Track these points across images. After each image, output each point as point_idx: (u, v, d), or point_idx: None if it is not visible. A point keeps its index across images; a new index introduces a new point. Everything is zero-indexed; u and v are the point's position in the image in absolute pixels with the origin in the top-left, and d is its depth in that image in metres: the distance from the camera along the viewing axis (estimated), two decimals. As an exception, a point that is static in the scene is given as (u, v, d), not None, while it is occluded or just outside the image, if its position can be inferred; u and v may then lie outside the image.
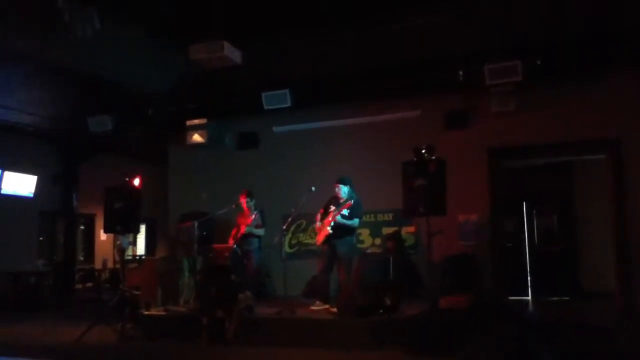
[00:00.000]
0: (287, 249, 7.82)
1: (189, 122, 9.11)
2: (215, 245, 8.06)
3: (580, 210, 10.05)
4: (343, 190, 7.35)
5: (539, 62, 7.14)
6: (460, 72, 7.40)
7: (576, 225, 10.07)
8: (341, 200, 7.31)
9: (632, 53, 7.26)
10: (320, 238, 7.33)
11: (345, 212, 7.13)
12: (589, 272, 9.64)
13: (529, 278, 10.23)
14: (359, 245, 8.81)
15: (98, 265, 13.22)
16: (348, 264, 7.34)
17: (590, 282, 9.53)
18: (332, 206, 7.35)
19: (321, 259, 7.38)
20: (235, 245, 7.96)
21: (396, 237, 8.27)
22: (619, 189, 7.78)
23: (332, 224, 7.14)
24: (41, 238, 12.05)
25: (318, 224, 7.39)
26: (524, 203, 10.59)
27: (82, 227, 13.36)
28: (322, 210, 7.46)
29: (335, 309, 6.59)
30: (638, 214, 7.57)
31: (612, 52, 7.34)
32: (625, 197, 7.70)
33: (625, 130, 7.66)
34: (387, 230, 8.61)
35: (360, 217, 7.39)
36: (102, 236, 13.51)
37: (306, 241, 9.10)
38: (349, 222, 7.20)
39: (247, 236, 8.13)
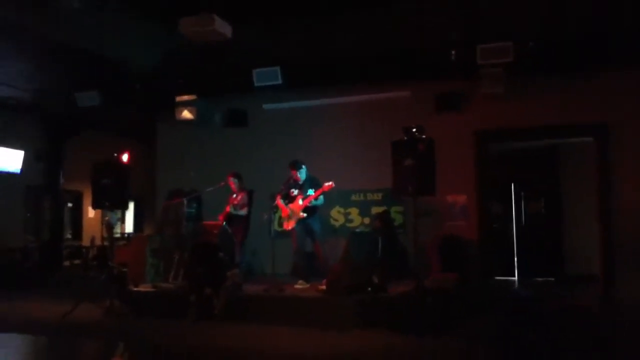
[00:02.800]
0: (275, 226, 7.83)
1: (178, 98, 9.00)
2: (205, 223, 8.05)
3: (566, 194, 10.12)
4: (302, 173, 7.40)
5: (531, 44, 7.12)
6: (453, 52, 7.36)
7: (562, 209, 10.16)
8: (300, 182, 7.41)
9: (623, 47, 7.30)
10: (292, 224, 7.40)
11: (311, 192, 7.25)
12: (574, 256, 9.73)
13: (515, 259, 10.35)
14: (348, 225, 8.86)
15: (86, 242, 13.15)
16: (321, 240, 7.55)
17: (575, 266, 9.63)
18: (293, 190, 7.42)
19: (294, 240, 7.47)
20: (224, 223, 7.97)
21: (385, 216, 8.29)
22: (605, 174, 7.84)
23: (307, 206, 7.28)
24: (28, 214, 11.92)
25: (288, 211, 7.42)
26: (513, 186, 10.67)
27: (69, 205, 13.23)
28: (279, 195, 7.50)
29: (323, 287, 6.61)
30: (623, 199, 7.66)
31: (605, 50, 7.39)
32: (611, 183, 7.77)
33: (613, 115, 7.73)
34: (376, 210, 8.63)
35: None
36: (90, 213, 13.42)
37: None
38: (317, 203, 7.40)
39: (232, 216, 8.18)
